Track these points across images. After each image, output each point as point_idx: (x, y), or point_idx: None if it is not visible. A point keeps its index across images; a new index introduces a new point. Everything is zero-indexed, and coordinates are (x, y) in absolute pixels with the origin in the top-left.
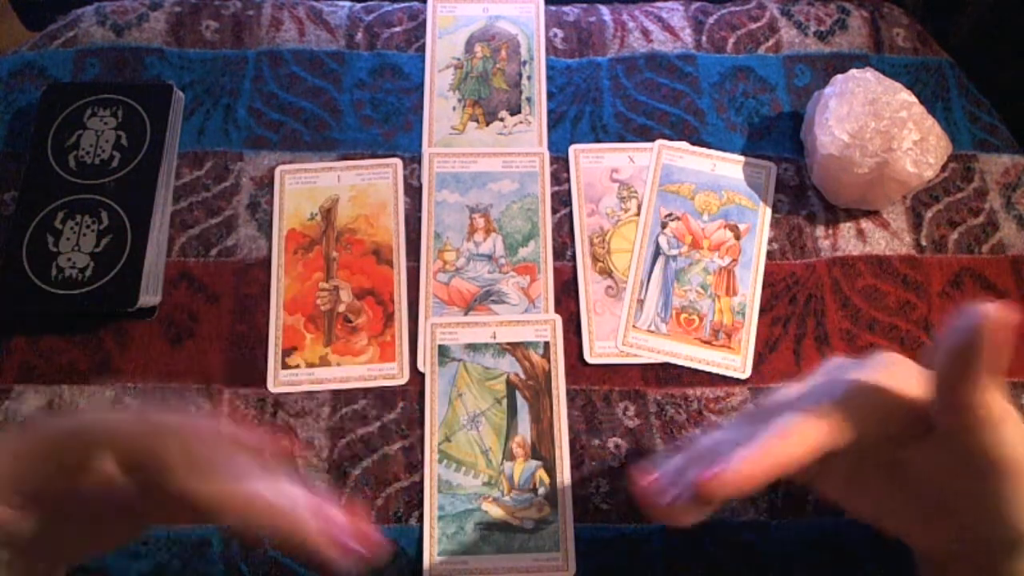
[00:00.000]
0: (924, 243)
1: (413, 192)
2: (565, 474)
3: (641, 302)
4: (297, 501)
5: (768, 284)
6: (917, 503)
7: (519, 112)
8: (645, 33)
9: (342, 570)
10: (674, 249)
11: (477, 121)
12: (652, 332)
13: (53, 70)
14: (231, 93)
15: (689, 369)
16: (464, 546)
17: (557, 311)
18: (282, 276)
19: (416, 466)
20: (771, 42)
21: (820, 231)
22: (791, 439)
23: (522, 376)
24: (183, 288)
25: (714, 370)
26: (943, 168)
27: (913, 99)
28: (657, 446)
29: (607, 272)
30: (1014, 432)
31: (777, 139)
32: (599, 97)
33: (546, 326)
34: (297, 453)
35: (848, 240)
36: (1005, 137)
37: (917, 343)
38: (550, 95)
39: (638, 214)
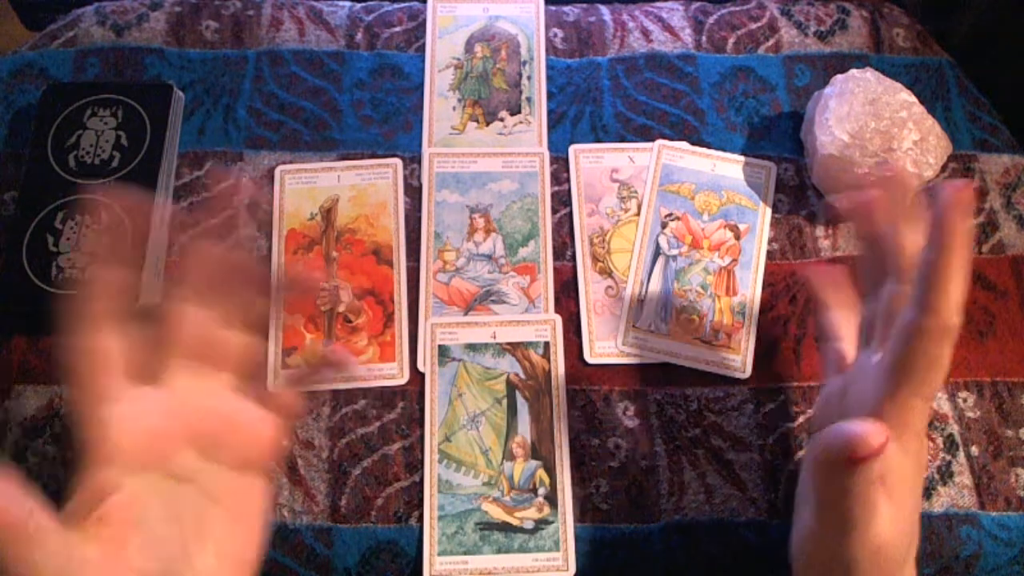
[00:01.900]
0: None
1: (413, 192)
2: (565, 474)
3: (641, 302)
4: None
5: (768, 284)
6: None
7: (519, 112)
8: (645, 33)
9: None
10: (674, 249)
11: (477, 121)
12: (652, 332)
13: (53, 70)
14: (231, 93)
15: (689, 369)
16: (464, 546)
17: (557, 311)
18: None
19: (416, 466)
20: (771, 42)
21: (820, 231)
22: None
23: (522, 376)
24: None
25: (714, 370)
26: (943, 168)
27: (913, 99)
28: (657, 446)
29: (607, 272)
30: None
31: (777, 139)
32: (599, 97)
33: (546, 326)
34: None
35: (848, 240)
36: (1005, 137)
37: None
38: (550, 95)
39: (638, 214)
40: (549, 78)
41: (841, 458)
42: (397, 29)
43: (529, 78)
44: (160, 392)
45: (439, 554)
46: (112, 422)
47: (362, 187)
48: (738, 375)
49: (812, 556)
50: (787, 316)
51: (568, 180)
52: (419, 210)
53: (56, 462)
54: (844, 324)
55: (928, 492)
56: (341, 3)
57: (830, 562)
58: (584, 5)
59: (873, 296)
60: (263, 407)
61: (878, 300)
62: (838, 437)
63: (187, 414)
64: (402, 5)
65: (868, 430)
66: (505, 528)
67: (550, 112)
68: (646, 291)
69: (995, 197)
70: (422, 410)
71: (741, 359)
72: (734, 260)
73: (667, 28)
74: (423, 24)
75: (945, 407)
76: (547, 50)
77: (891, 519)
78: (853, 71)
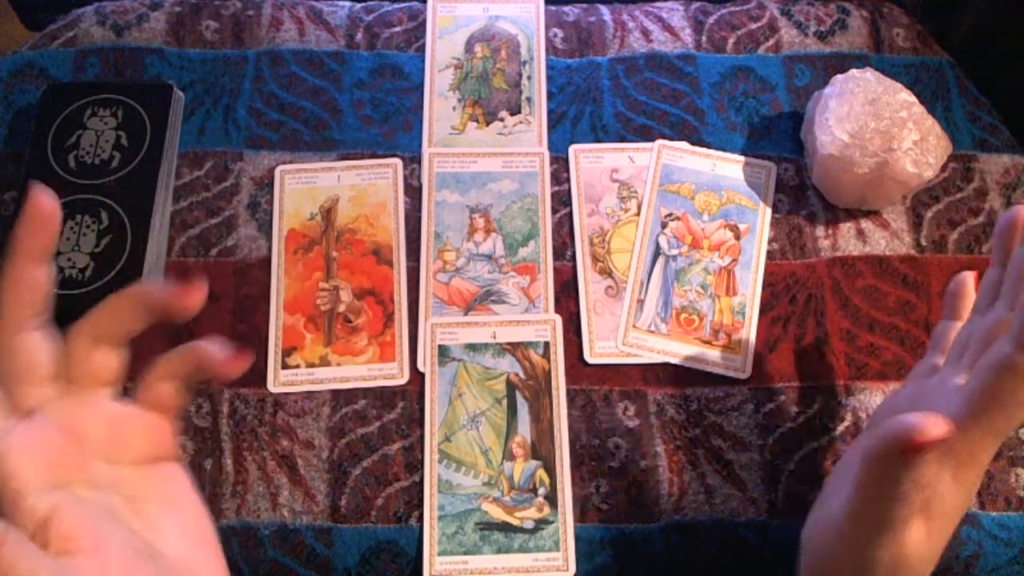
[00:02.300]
0: (924, 243)
1: (413, 192)
2: (565, 474)
3: (641, 302)
4: None
5: (768, 284)
6: None
7: (519, 112)
8: (645, 33)
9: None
10: (674, 249)
11: (477, 121)
12: (652, 332)
13: (53, 70)
14: (231, 93)
15: (689, 369)
16: (464, 546)
17: (557, 311)
18: (282, 276)
19: (416, 466)
20: (771, 42)
21: (820, 231)
22: None
23: (522, 376)
24: None
25: (714, 370)
26: (943, 168)
27: (913, 99)
28: (657, 446)
29: (607, 272)
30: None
31: (777, 139)
32: (599, 97)
33: (546, 326)
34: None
35: (848, 240)
36: (1005, 137)
37: (917, 343)
38: (550, 95)
39: (638, 214)
40: (549, 78)
41: (897, 447)
42: (397, 29)
43: (529, 78)
44: (39, 418)
45: (439, 554)
46: (8, 456)
47: (362, 187)
48: (738, 375)
49: (831, 550)
50: (787, 316)
51: (568, 180)
52: (419, 210)
53: None
54: (952, 337)
55: None
56: (341, 3)
57: (851, 559)
58: (584, 5)
59: (981, 314)
60: (142, 405)
61: (983, 320)
62: (899, 425)
63: (75, 428)
64: (402, 5)
65: (930, 419)
66: (505, 528)
67: (550, 112)
68: (646, 291)
69: (995, 197)
70: (422, 410)
71: (741, 359)
72: (734, 260)
73: (667, 28)
74: (423, 24)
75: None
76: (547, 50)
77: (922, 538)
78: (853, 71)
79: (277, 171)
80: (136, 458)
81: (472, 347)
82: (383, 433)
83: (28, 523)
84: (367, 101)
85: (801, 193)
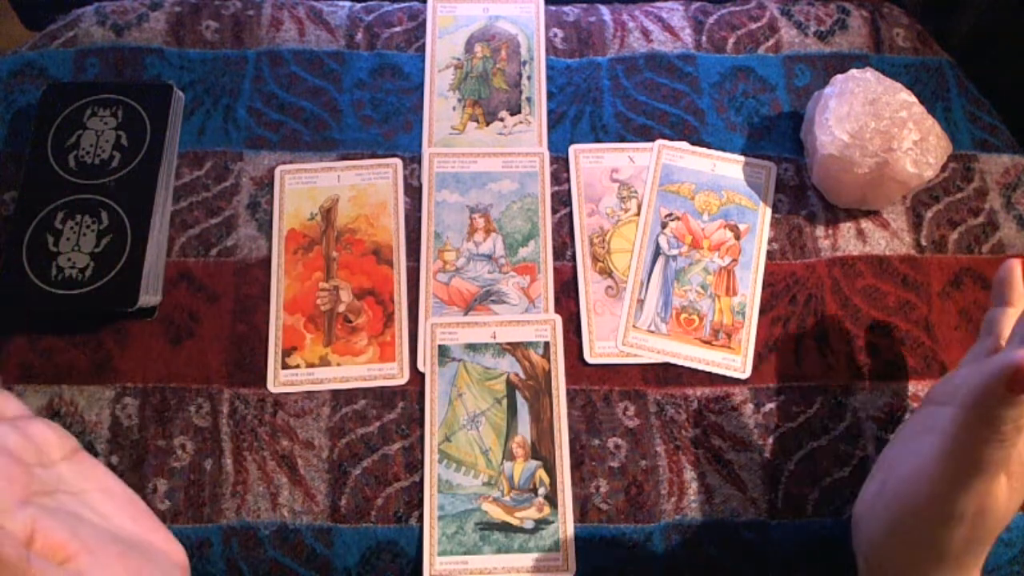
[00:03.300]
0: (924, 243)
1: (413, 192)
2: (565, 474)
3: (641, 302)
4: None
5: (768, 284)
6: None
7: (519, 112)
8: (645, 33)
9: None
10: (674, 249)
11: (477, 121)
12: (652, 332)
13: (53, 70)
14: (231, 93)
15: (689, 369)
16: (464, 546)
17: (557, 311)
18: (282, 276)
19: (416, 466)
20: (771, 42)
21: (820, 231)
22: None
23: (522, 376)
24: (183, 288)
25: (714, 370)
26: (943, 168)
27: (913, 99)
28: (657, 446)
29: (607, 272)
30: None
31: (777, 139)
32: (599, 97)
33: (546, 326)
34: None
35: (848, 240)
36: (1005, 137)
37: (917, 343)
38: (550, 95)
39: (638, 214)
40: (549, 78)
41: (1006, 382)
42: (397, 29)
43: (529, 78)
44: None
45: (439, 554)
46: None
47: (362, 187)
48: (738, 375)
49: (913, 502)
50: (787, 316)
51: (568, 180)
52: (419, 210)
53: None
54: (1008, 322)
55: None
56: (341, 3)
57: (935, 509)
58: (584, 5)
59: None
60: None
61: None
62: (1006, 359)
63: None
64: (402, 5)
65: None
66: (505, 528)
67: (550, 112)
68: (646, 291)
69: (995, 197)
70: (422, 410)
71: (741, 359)
72: (734, 260)
73: (667, 28)
74: (423, 24)
75: None
76: (547, 50)
77: (1005, 492)
78: (853, 71)
79: (277, 171)
80: (60, 455)
81: (472, 347)
82: (383, 433)
83: (10, 547)
84: (367, 101)
85: (801, 193)
